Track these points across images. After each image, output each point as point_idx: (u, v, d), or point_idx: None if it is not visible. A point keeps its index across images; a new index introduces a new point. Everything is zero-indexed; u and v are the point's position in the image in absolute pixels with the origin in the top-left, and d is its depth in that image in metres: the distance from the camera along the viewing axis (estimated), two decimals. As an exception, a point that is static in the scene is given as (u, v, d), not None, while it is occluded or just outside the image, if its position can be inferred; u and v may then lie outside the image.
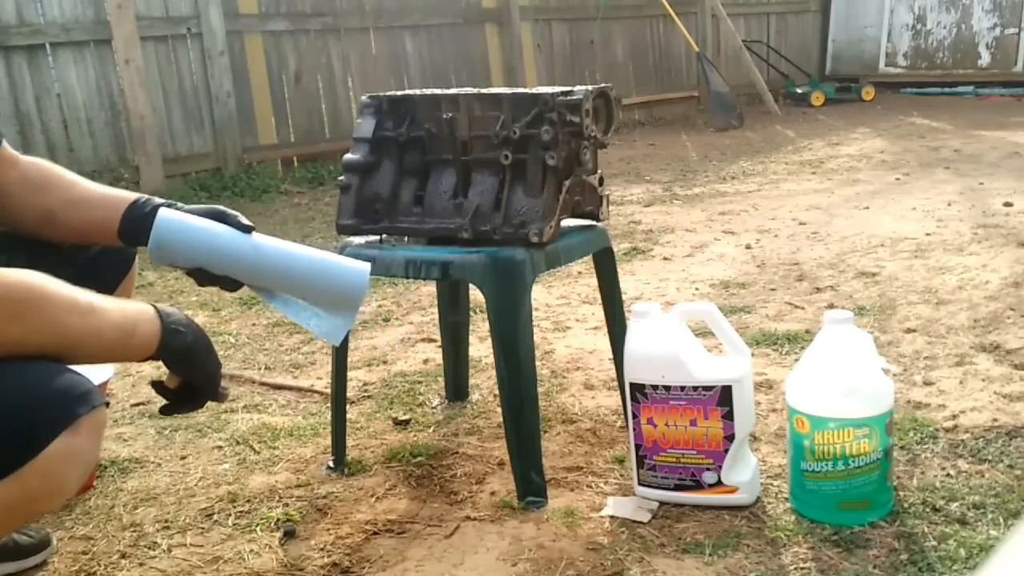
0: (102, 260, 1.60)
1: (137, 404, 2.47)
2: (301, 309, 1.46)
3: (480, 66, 7.48)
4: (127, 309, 1.26)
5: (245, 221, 1.44)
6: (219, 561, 1.69)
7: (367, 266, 1.49)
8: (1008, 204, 4.24)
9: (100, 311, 1.21)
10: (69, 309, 1.18)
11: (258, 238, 1.44)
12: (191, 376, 1.33)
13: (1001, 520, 1.64)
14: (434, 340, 2.80)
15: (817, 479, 1.67)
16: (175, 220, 1.39)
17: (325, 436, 2.17)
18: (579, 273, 3.48)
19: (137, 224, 1.46)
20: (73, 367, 1.21)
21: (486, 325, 2.00)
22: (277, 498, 1.91)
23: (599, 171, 1.93)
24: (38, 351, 1.16)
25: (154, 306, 1.29)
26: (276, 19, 6.27)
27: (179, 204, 1.48)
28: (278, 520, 1.82)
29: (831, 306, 2.91)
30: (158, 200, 1.50)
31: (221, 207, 1.47)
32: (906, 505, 1.71)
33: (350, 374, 2.41)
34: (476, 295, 2.02)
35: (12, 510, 1.16)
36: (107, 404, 1.24)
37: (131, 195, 1.52)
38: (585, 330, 2.90)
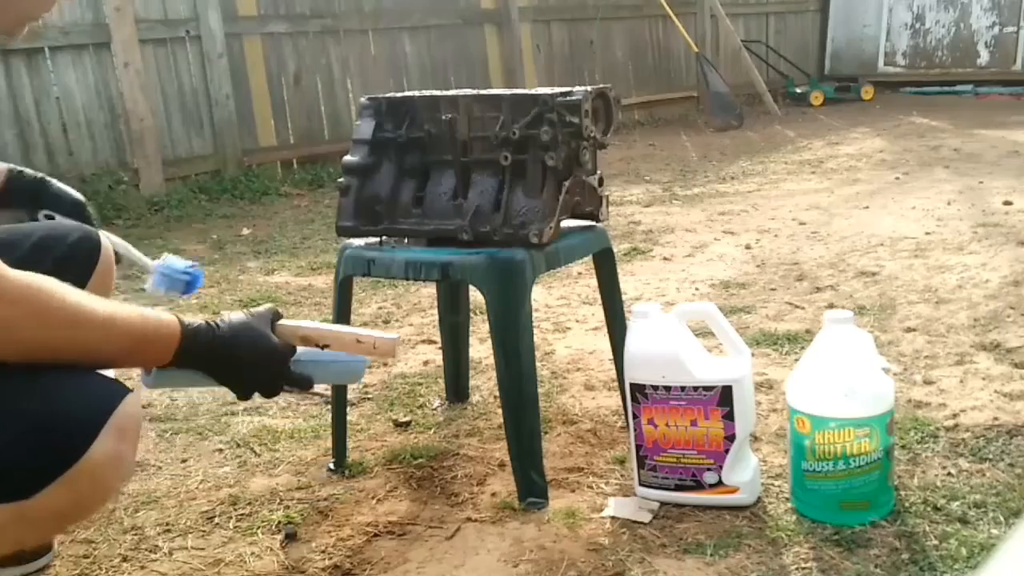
0: (70, 257, 1.60)
1: (138, 407, 2.47)
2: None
3: (479, 67, 7.48)
4: (148, 319, 1.21)
5: None
6: (220, 564, 1.69)
7: (364, 360, 1.47)
8: (1008, 203, 4.24)
9: (116, 321, 1.18)
10: (78, 320, 1.15)
11: None
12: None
13: (1002, 519, 1.65)
14: (434, 341, 2.80)
15: (818, 479, 1.67)
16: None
17: (326, 438, 2.17)
18: (579, 273, 3.48)
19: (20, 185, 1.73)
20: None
21: (486, 326, 2.00)
22: (278, 500, 1.91)
23: (599, 171, 1.93)
24: (51, 356, 1.13)
25: (179, 319, 1.24)
26: (275, 21, 6.27)
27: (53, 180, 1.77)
28: (279, 522, 1.82)
29: (831, 306, 2.91)
30: (29, 172, 1.75)
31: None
32: (907, 504, 1.71)
33: (350, 376, 2.40)
34: (476, 296, 2.02)
35: (61, 515, 1.15)
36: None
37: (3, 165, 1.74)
38: (585, 331, 2.90)
